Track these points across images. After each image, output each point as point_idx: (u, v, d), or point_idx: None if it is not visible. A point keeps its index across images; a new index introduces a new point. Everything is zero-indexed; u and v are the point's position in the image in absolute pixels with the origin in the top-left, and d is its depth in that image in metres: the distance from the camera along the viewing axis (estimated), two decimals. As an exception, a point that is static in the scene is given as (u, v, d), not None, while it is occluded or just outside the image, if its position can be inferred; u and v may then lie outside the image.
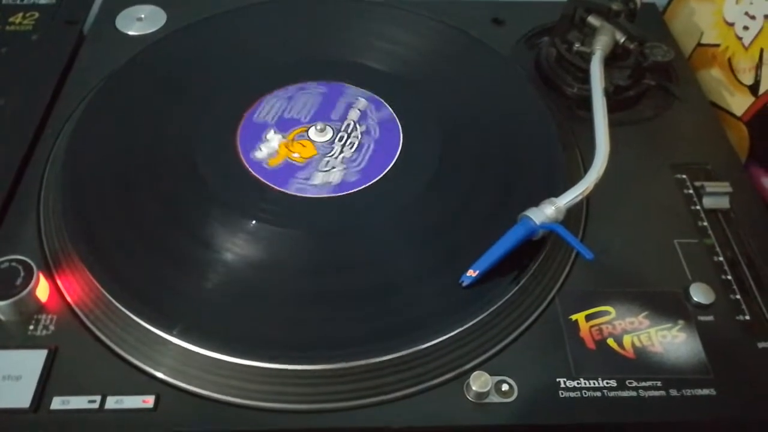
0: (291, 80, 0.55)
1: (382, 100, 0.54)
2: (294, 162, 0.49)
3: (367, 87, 0.55)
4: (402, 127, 0.52)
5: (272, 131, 0.51)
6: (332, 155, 0.50)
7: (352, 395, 0.38)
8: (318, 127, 0.51)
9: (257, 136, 0.51)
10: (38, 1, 0.63)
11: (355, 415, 0.38)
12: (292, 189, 0.47)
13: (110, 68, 0.56)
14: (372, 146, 0.50)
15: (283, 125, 0.52)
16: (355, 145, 0.50)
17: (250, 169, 0.48)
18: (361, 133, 0.51)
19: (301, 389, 0.38)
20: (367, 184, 0.48)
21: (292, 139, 0.50)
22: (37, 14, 0.62)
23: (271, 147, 0.49)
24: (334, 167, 0.49)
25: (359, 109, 0.53)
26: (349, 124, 0.52)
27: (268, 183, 0.47)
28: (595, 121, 0.48)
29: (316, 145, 0.50)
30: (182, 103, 0.53)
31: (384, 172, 0.49)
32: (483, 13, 0.64)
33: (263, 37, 0.59)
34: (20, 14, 0.62)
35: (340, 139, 0.51)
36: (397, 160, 0.49)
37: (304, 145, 0.50)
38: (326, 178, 0.48)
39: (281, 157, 0.49)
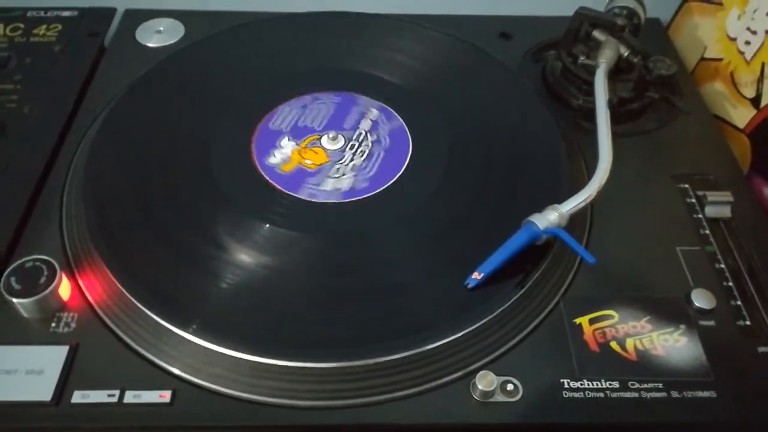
0: (306, 90, 0.57)
1: (393, 111, 0.55)
2: (306, 168, 0.51)
3: (379, 98, 0.56)
4: (411, 137, 0.53)
5: (286, 138, 0.53)
6: (343, 162, 0.51)
7: (361, 393, 0.39)
8: (330, 136, 0.53)
9: (272, 143, 0.52)
10: (61, 13, 0.66)
11: (363, 413, 0.39)
12: (304, 194, 0.49)
13: (130, 78, 0.58)
14: (382, 155, 0.52)
15: (298, 133, 0.53)
16: (366, 154, 0.52)
17: (263, 174, 0.50)
18: (372, 143, 0.53)
19: (312, 386, 0.39)
20: (376, 191, 0.49)
21: (305, 146, 0.52)
22: (60, 26, 0.64)
23: (284, 153, 0.51)
24: (344, 174, 0.50)
25: (371, 119, 0.55)
26: (360, 134, 0.53)
27: (280, 188, 0.49)
28: (598, 131, 0.49)
29: (327, 152, 0.52)
30: (199, 112, 0.55)
31: (392, 180, 0.50)
32: (491, 28, 0.65)
33: (278, 49, 0.61)
34: (44, 26, 0.64)
35: (351, 148, 0.52)
36: (405, 169, 0.51)
37: (316, 152, 0.52)
38: (336, 185, 0.49)
39: (294, 163, 0.51)
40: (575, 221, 0.46)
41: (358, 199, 0.49)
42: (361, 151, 0.52)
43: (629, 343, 0.42)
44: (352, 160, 0.51)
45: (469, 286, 0.42)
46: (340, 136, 0.53)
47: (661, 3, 0.67)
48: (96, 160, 0.50)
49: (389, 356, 0.39)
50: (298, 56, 0.60)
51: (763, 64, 0.56)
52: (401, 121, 0.55)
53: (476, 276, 0.42)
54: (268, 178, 0.50)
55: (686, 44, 0.66)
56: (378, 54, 0.60)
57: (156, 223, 0.47)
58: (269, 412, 0.39)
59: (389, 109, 0.56)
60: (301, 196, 0.49)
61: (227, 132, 0.53)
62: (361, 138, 0.53)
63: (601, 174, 0.46)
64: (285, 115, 0.55)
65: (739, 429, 0.40)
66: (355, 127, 0.54)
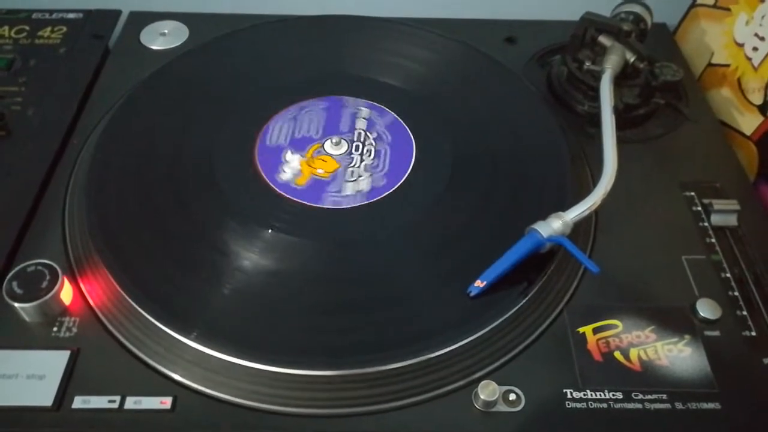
0: (311, 94, 0.57)
1: (396, 115, 0.55)
2: (320, 177, 0.50)
3: (382, 102, 0.56)
4: (415, 142, 0.53)
5: (289, 152, 0.52)
6: (354, 165, 0.51)
7: (363, 401, 0.39)
8: (333, 141, 0.53)
9: (277, 159, 0.52)
10: (66, 15, 0.66)
11: (364, 421, 0.39)
12: (327, 203, 0.49)
13: (134, 81, 0.58)
14: (388, 150, 0.52)
15: (298, 144, 0.53)
16: (373, 152, 0.52)
17: (279, 191, 0.49)
18: (374, 140, 0.53)
19: (313, 394, 0.39)
20: (396, 186, 0.50)
21: (311, 156, 0.52)
22: (64, 28, 0.64)
23: (293, 167, 0.51)
24: (360, 176, 0.50)
25: (364, 118, 0.55)
26: (360, 134, 0.53)
27: (301, 201, 0.49)
28: (603, 137, 0.49)
29: (335, 158, 0.52)
30: (204, 115, 0.55)
31: (407, 173, 0.51)
32: (496, 32, 0.65)
33: (283, 53, 0.61)
34: (49, 28, 0.64)
35: (357, 149, 0.52)
36: (408, 175, 0.51)
37: (324, 161, 0.51)
38: (356, 187, 0.49)
39: (306, 175, 0.50)
40: (579, 229, 0.46)
41: (359, 206, 0.48)
42: (368, 151, 0.52)
43: (633, 353, 0.42)
44: (362, 160, 0.51)
45: (472, 294, 0.42)
46: (342, 140, 0.53)
47: (668, 8, 0.66)
48: (99, 163, 0.50)
49: (390, 365, 0.39)
50: (303, 60, 0.60)
51: (770, 71, 0.55)
52: (403, 124, 0.55)
53: (479, 284, 0.42)
54: (286, 194, 0.49)
55: (693, 49, 0.66)
56: (381, 58, 0.60)
57: (159, 227, 0.47)
58: (269, 420, 0.39)
59: (380, 105, 0.56)
60: (324, 206, 0.48)
61: (232, 136, 0.53)
62: (363, 138, 0.53)
63: (605, 181, 0.45)
64: (279, 129, 0.54)
65: (743, 441, 0.40)
66: (352, 128, 0.54)
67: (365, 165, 0.51)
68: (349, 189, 0.49)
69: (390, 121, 0.55)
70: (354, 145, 0.53)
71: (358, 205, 0.48)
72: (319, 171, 0.51)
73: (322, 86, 0.57)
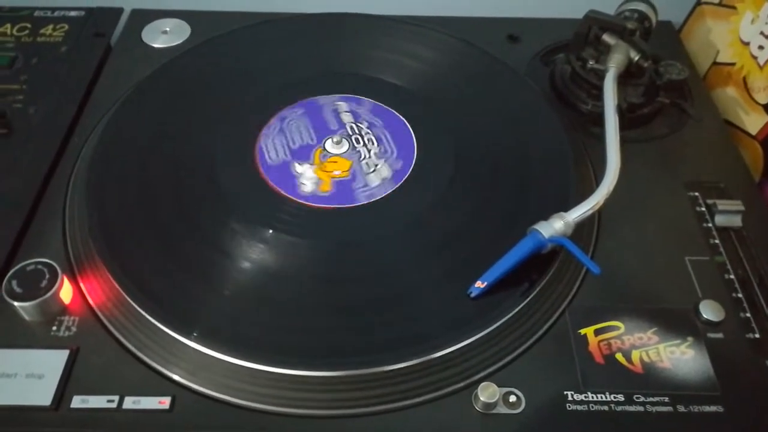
0: (313, 93, 0.57)
1: (398, 114, 0.55)
2: (341, 178, 0.50)
3: (384, 101, 0.56)
4: (416, 141, 0.53)
5: (296, 164, 0.51)
6: (365, 157, 0.51)
7: (362, 402, 0.39)
8: (334, 140, 0.53)
9: (289, 175, 0.50)
10: (68, 13, 0.66)
11: (363, 422, 0.39)
12: (363, 199, 0.49)
13: (136, 79, 0.58)
14: (387, 133, 0.53)
15: (300, 155, 0.52)
16: (375, 140, 0.53)
17: (311, 203, 0.49)
18: (369, 128, 0.54)
19: (312, 395, 0.39)
20: (413, 165, 0.51)
21: (320, 161, 0.51)
22: (66, 26, 0.64)
23: (310, 177, 0.50)
24: (376, 164, 0.51)
25: (347, 111, 0.55)
26: (351, 127, 0.54)
27: (337, 206, 0.48)
28: (606, 137, 0.48)
29: (344, 156, 0.52)
30: (205, 115, 0.54)
31: (416, 151, 0.52)
32: (499, 30, 0.65)
33: (284, 52, 0.60)
34: (50, 26, 0.64)
35: (358, 142, 0.53)
36: (409, 175, 0.50)
37: (335, 161, 0.51)
38: (379, 176, 0.50)
39: (327, 181, 0.50)
40: (582, 229, 0.45)
41: (362, 205, 0.48)
42: (369, 140, 0.52)
43: (635, 355, 0.42)
44: (369, 151, 0.52)
45: (472, 295, 0.42)
46: (342, 138, 0.53)
47: (673, 6, 0.66)
48: (100, 161, 0.50)
49: (390, 366, 0.39)
50: (304, 59, 0.60)
51: (776, 70, 0.55)
52: (402, 118, 0.55)
53: (479, 285, 0.42)
54: (318, 205, 0.48)
55: (698, 48, 0.65)
56: (383, 56, 0.59)
57: (160, 227, 0.47)
58: (267, 420, 0.39)
59: (383, 105, 0.56)
60: (363, 203, 0.48)
61: (235, 135, 0.53)
62: (357, 130, 0.53)
63: (608, 182, 0.45)
64: (272, 146, 0.52)
65: (746, 445, 0.40)
66: (341, 124, 0.54)
67: (375, 154, 0.51)
68: (375, 179, 0.50)
69: (383, 111, 0.55)
70: (353, 138, 0.53)
71: (359, 204, 0.48)
72: (336, 173, 0.50)
73: (322, 85, 0.57)
